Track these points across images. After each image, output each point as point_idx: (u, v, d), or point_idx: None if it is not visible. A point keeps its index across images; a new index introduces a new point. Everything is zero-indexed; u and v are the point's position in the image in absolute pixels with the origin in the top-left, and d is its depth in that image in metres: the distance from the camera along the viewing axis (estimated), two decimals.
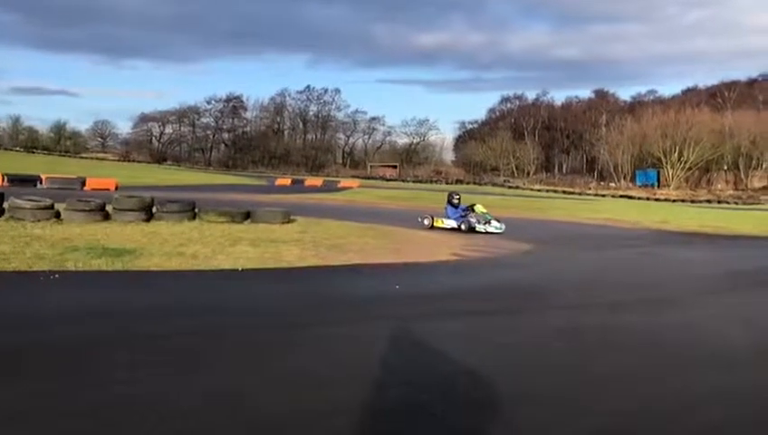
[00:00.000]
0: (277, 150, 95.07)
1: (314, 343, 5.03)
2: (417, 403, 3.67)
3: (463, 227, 15.46)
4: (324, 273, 8.57)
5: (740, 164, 70.11)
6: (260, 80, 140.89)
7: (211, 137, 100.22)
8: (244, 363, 4.35)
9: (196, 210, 13.59)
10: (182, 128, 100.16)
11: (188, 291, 7.06)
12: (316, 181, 53.41)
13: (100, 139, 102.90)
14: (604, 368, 4.68)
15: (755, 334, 6.09)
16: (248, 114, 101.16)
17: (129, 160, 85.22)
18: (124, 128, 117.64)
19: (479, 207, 16.02)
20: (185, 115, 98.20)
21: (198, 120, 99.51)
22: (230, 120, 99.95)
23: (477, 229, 15.26)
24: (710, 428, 3.56)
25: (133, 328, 5.12)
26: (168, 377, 3.96)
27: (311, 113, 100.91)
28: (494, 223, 15.54)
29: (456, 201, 16.37)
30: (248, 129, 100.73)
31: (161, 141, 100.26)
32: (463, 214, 15.90)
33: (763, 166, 69.56)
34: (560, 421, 3.54)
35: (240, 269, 8.22)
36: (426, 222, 16.11)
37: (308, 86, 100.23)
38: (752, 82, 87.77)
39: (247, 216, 13.74)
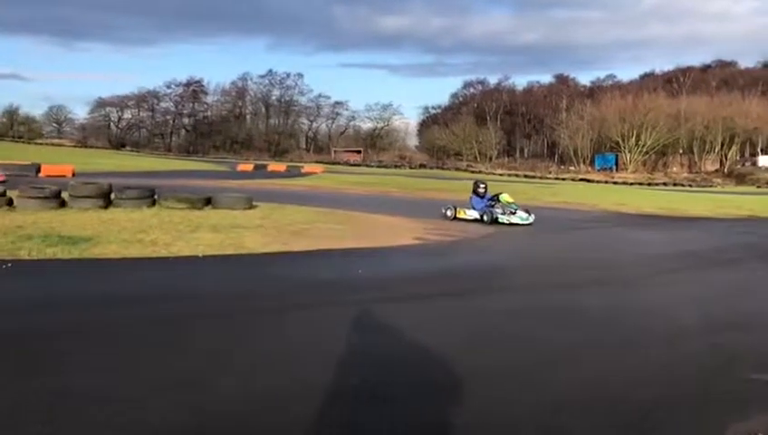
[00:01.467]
0: (239, 135, 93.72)
1: (275, 328, 5.05)
2: (378, 386, 3.73)
3: (485, 218, 14.37)
4: (287, 258, 8.56)
5: (694, 148, 72.09)
6: (220, 64, 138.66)
7: (171, 122, 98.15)
8: (203, 350, 4.33)
9: (156, 197, 13.37)
10: (141, 113, 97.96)
11: (147, 278, 6.96)
12: (279, 167, 52.82)
13: (55, 124, 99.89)
14: (559, 347, 4.80)
15: (704, 312, 6.31)
16: (209, 99, 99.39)
17: (86, 146, 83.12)
18: (81, 113, 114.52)
19: (505, 197, 14.99)
20: (144, 100, 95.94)
21: (158, 104, 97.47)
22: (190, 104, 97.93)
23: (501, 221, 14.19)
24: (660, 403, 3.70)
25: (88, 317, 5.05)
26: (122, 366, 3.92)
27: (273, 98, 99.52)
28: (519, 213, 14.52)
29: (481, 191, 15.33)
30: (209, 113, 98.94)
31: (120, 127, 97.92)
32: (489, 204, 14.92)
33: (716, 150, 71.65)
34: (515, 399, 3.65)
35: (200, 256, 8.14)
36: (449, 213, 15.25)
37: (270, 70, 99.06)
38: (705, 68, 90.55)
39: (208, 202, 13.57)
